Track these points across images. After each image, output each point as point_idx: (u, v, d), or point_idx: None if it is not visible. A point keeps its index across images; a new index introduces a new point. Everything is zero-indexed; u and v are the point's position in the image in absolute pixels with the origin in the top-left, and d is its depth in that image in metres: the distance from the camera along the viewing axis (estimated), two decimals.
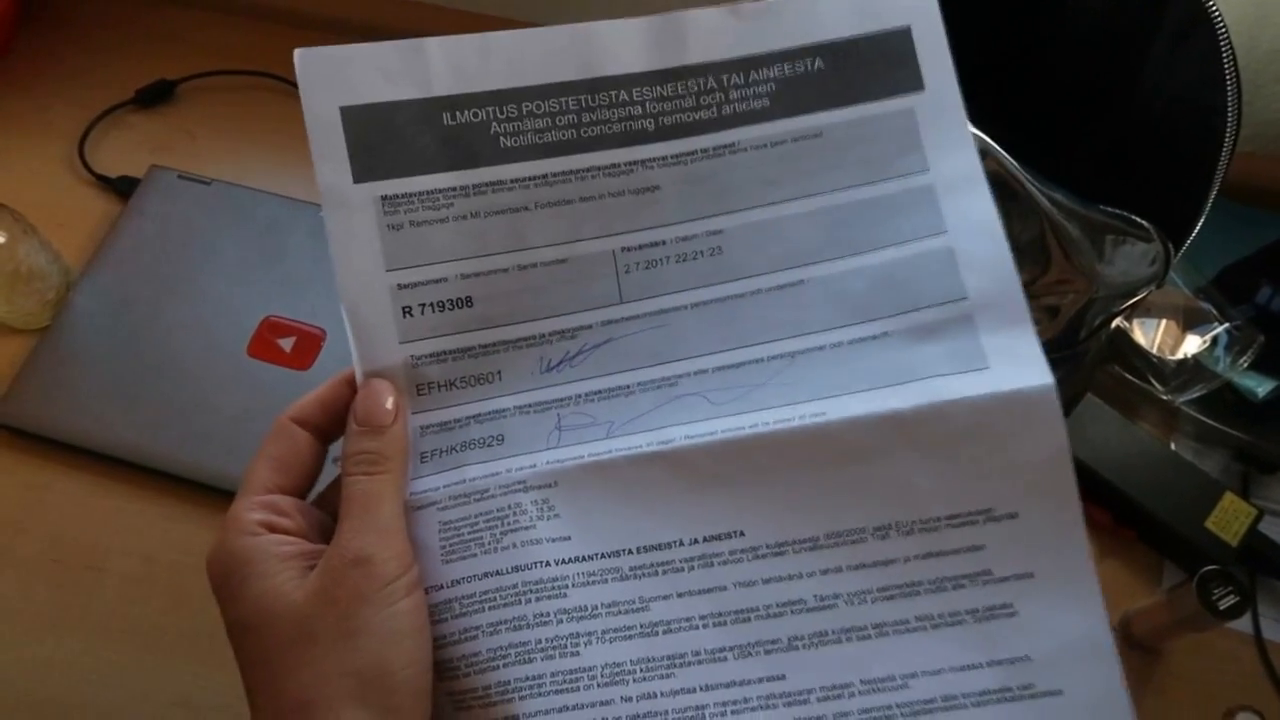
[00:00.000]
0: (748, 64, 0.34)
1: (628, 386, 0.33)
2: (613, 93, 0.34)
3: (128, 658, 0.54)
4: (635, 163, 0.34)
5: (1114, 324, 0.50)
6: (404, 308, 0.33)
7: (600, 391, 0.33)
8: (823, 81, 0.34)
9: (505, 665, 0.30)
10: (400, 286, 0.33)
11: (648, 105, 0.34)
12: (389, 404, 0.32)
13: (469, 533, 0.32)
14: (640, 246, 0.34)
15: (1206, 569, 0.51)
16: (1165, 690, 0.56)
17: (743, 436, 0.31)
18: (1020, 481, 0.31)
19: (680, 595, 0.31)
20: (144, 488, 0.59)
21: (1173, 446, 0.62)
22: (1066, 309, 0.46)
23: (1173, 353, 0.62)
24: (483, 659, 0.30)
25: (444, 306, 0.33)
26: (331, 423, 0.34)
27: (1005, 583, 0.30)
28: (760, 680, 0.30)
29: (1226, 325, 0.61)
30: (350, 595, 0.29)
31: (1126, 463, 0.59)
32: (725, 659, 0.30)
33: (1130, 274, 0.46)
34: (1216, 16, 0.43)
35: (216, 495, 0.58)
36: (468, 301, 0.33)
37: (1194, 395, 0.61)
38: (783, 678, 0.30)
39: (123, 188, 0.70)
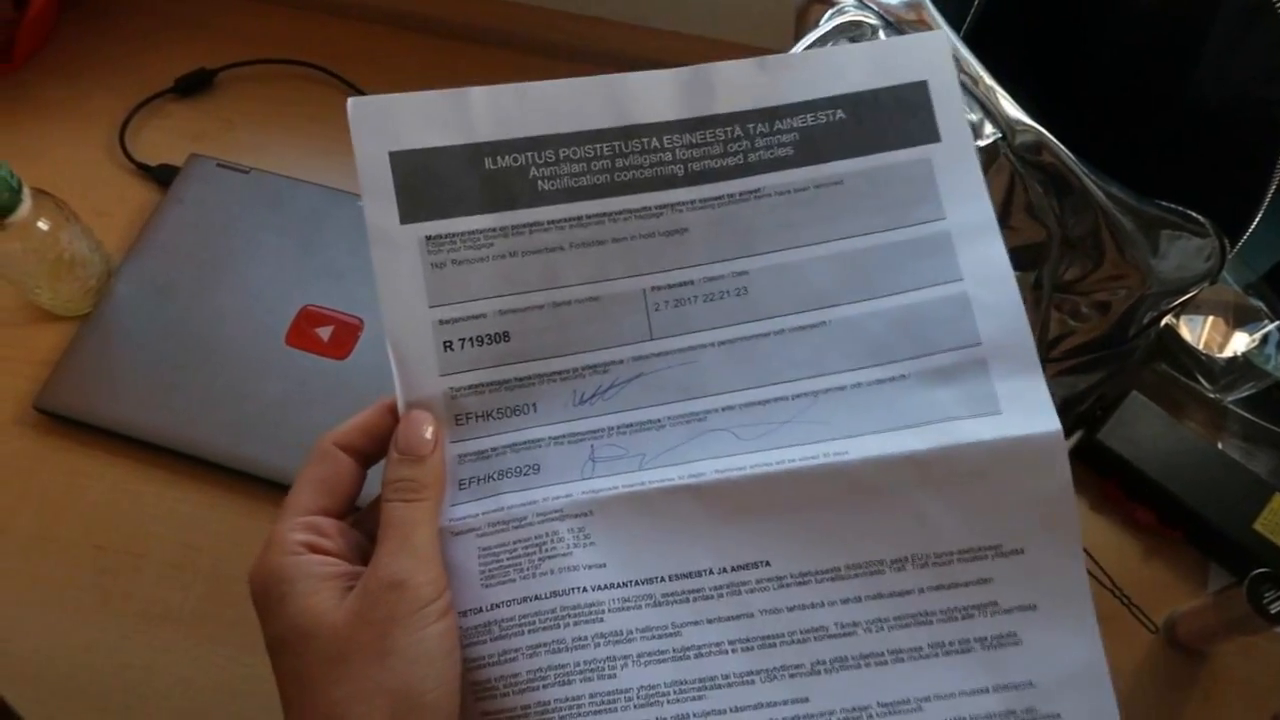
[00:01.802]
0: (772, 114, 0.36)
1: (658, 420, 0.35)
2: (645, 139, 0.36)
3: (169, 643, 0.55)
4: (665, 206, 0.36)
5: (1163, 321, 0.49)
6: (445, 342, 0.35)
7: (632, 425, 0.34)
8: (843, 131, 0.36)
9: (545, 686, 0.31)
10: (442, 322, 0.35)
11: (678, 152, 0.36)
12: (428, 434, 0.34)
13: (508, 558, 0.33)
14: (669, 286, 0.35)
15: (1258, 571, 0.50)
16: (1211, 694, 0.55)
17: (769, 472, 0.33)
18: (1027, 520, 0.33)
19: (710, 621, 0.32)
20: (183, 475, 0.60)
21: (1220, 446, 0.61)
22: (1118, 305, 0.45)
23: (1220, 350, 0.61)
24: (522, 680, 0.32)
25: (483, 341, 0.35)
26: (373, 447, 0.35)
27: (1011, 614, 0.32)
28: (785, 702, 0.32)
29: (1277, 323, 0.60)
30: (385, 617, 0.30)
31: (1173, 462, 0.58)
32: (753, 682, 0.32)
33: (1184, 270, 0.45)
34: (1279, 6, 0.42)
35: (255, 483, 0.59)
36: (505, 337, 0.35)
37: (1243, 394, 0.60)
38: (806, 700, 0.32)
39: (163, 176, 0.70)
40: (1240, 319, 0.62)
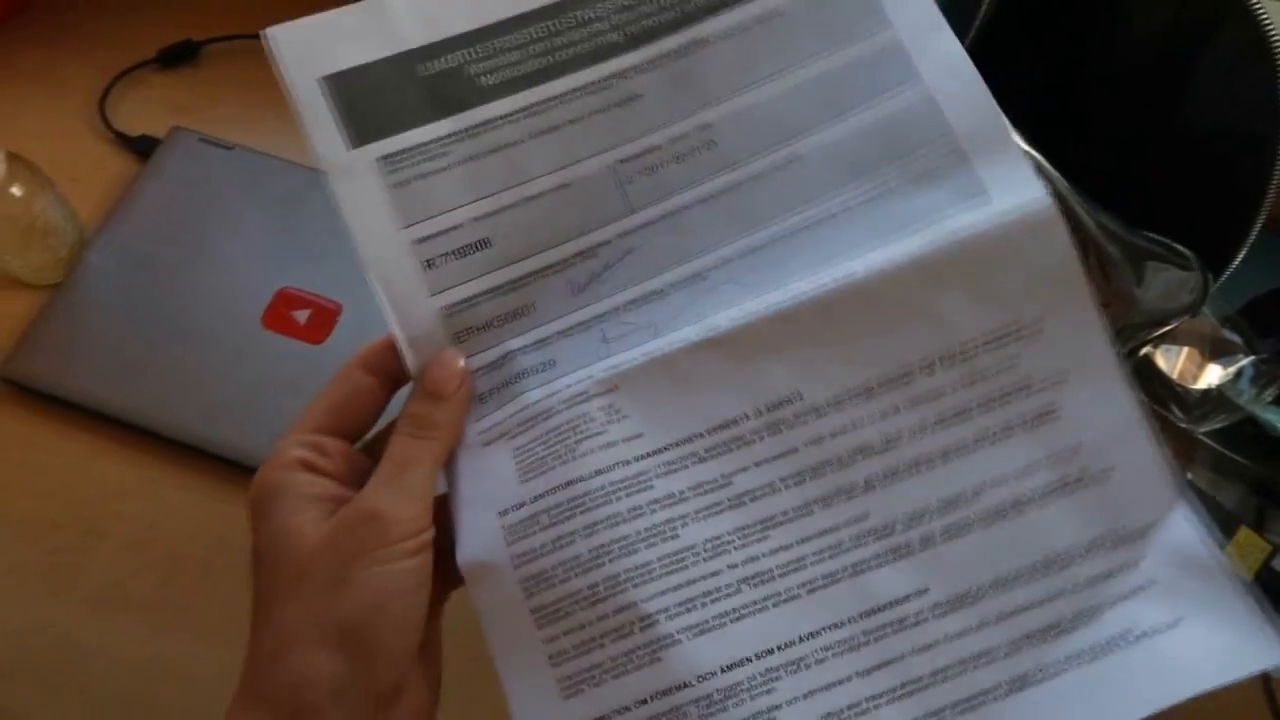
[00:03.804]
0: None
1: (660, 290, 0.34)
2: (577, 13, 0.35)
3: (124, 627, 0.54)
4: (613, 76, 0.35)
5: (1142, 351, 0.49)
6: (426, 261, 0.34)
7: (635, 299, 0.34)
8: None
9: (611, 560, 0.31)
10: (418, 241, 0.34)
11: (612, 18, 0.35)
12: (456, 378, 0.33)
13: (543, 450, 0.33)
14: (637, 155, 0.35)
15: None
16: None
17: (782, 307, 0.33)
18: (1038, 294, 0.33)
19: (758, 465, 0.32)
20: (149, 453, 0.59)
21: (1190, 477, 0.62)
22: None
23: (1194, 381, 0.62)
24: (585, 560, 0.31)
25: (464, 252, 0.34)
26: (398, 369, 0.34)
27: (1045, 389, 0.33)
28: (848, 524, 0.32)
29: (1252, 358, 0.61)
30: (352, 547, 0.30)
31: None
32: (812, 512, 0.32)
33: (1167, 301, 0.45)
34: (1276, 44, 0.42)
35: (223, 465, 0.58)
36: (485, 243, 0.34)
37: (1215, 426, 0.61)
38: (867, 516, 0.32)
39: (142, 147, 0.69)
40: (1216, 352, 0.62)
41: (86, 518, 0.57)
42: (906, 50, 0.35)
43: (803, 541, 0.32)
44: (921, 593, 0.32)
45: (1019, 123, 0.37)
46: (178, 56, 0.73)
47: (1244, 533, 0.57)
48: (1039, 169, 0.41)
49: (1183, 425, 0.61)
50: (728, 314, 0.33)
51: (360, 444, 0.35)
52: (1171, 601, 0.31)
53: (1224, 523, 0.58)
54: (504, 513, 0.32)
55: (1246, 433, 0.61)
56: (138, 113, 0.71)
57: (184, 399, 0.59)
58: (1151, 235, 0.44)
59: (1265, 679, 0.57)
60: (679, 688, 0.31)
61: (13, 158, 0.58)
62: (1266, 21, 0.43)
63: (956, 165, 0.34)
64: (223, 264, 0.63)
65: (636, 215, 0.35)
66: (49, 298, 0.62)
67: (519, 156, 0.34)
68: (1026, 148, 0.40)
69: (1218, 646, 0.31)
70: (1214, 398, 0.60)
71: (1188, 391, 0.61)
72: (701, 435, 0.33)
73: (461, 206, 0.34)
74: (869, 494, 0.32)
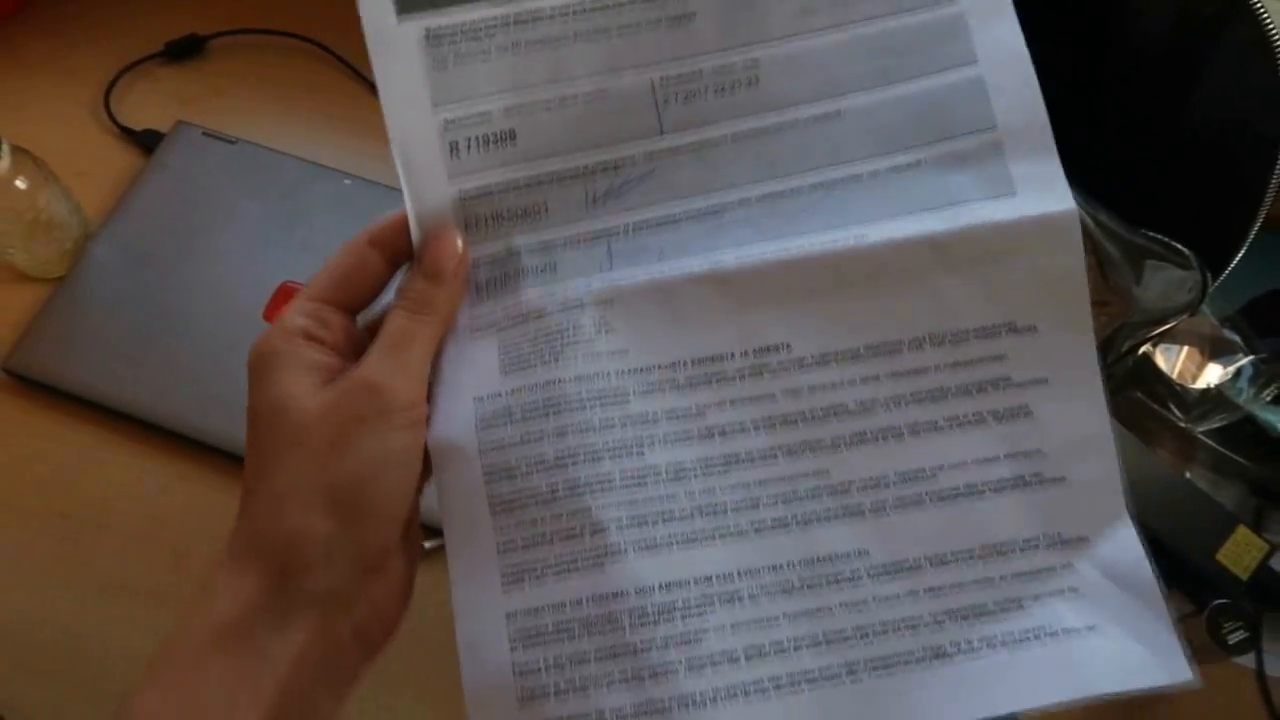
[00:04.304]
0: None
1: (674, 216, 0.34)
2: None
3: (127, 616, 0.54)
4: None
5: (1141, 350, 0.49)
6: (451, 144, 0.34)
7: (648, 222, 0.34)
8: None
9: (574, 465, 0.32)
10: (448, 123, 0.34)
11: None
12: (455, 255, 0.33)
13: (528, 347, 0.33)
14: (679, 77, 0.34)
15: (1218, 602, 0.50)
16: None
17: (790, 256, 0.33)
18: (1040, 298, 0.33)
19: (733, 403, 0.33)
20: (152, 446, 0.59)
21: (1188, 475, 0.62)
22: (1099, 331, 0.45)
23: (1193, 381, 0.62)
24: (549, 459, 0.32)
25: (490, 142, 0.34)
26: (406, 247, 0.34)
27: (1023, 388, 0.33)
28: (806, 475, 0.33)
29: (1252, 358, 0.61)
30: (350, 414, 0.30)
31: (1141, 490, 0.58)
32: (775, 458, 0.33)
33: (1166, 300, 0.45)
34: (1277, 43, 0.43)
35: (225, 458, 0.58)
36: (512, 136, 0.34)
37: (1214, 425, 0.61)
38: (827, 473, 0.33)
39: (147, 141, 0.69)
40: (1215, 351, 0.62)
41: (90, 509, 0.57)
42: (969, 30, 0.34)
43: (761, 484, 0.33)
44: (863, 553, 0.33)
45: None
46: (183, 50, 0.74)
47: (1242, 532, 0.57)
48: None
49: (1182, 425, 0.61)
50: (735, 253, 0.34)
51: (362, 320, 0.35)
52: (1093, 609, 0.32)
53: (1222, 522, 0.58)
54: (480, 400, 0.33)
55: (1245, 432, 0.61)
56: (143, 106, 0.71)
57: (187, 392, 0.59)
58: (1151, 234, 0.44)
59: (1262, 681, 0.57)
60: (615, 596, 0.32)
61: (17, 150, 0.58)
62: (1268, 21, 0.43)
63: (992, 156, 0.34)
64: (225, 258, 0.64)
65: (667, 138, 0.34)
66: (53, 291, 0.62)
67: (562, 55, 0.34)
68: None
69: (1126, 658, 0.32)
70: (1213, 397, 0.60)
71: (1187, 391, 0.61)
72: (685, 364, 0.33)
73: (496, 96, 0.34)
74: (834, 452, 0.33)
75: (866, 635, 0.32)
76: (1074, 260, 0.33)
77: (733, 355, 0.33)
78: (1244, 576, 0.56)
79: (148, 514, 0.57)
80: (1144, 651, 0.32)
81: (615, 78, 0.34)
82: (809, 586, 0.32)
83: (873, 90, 0.34)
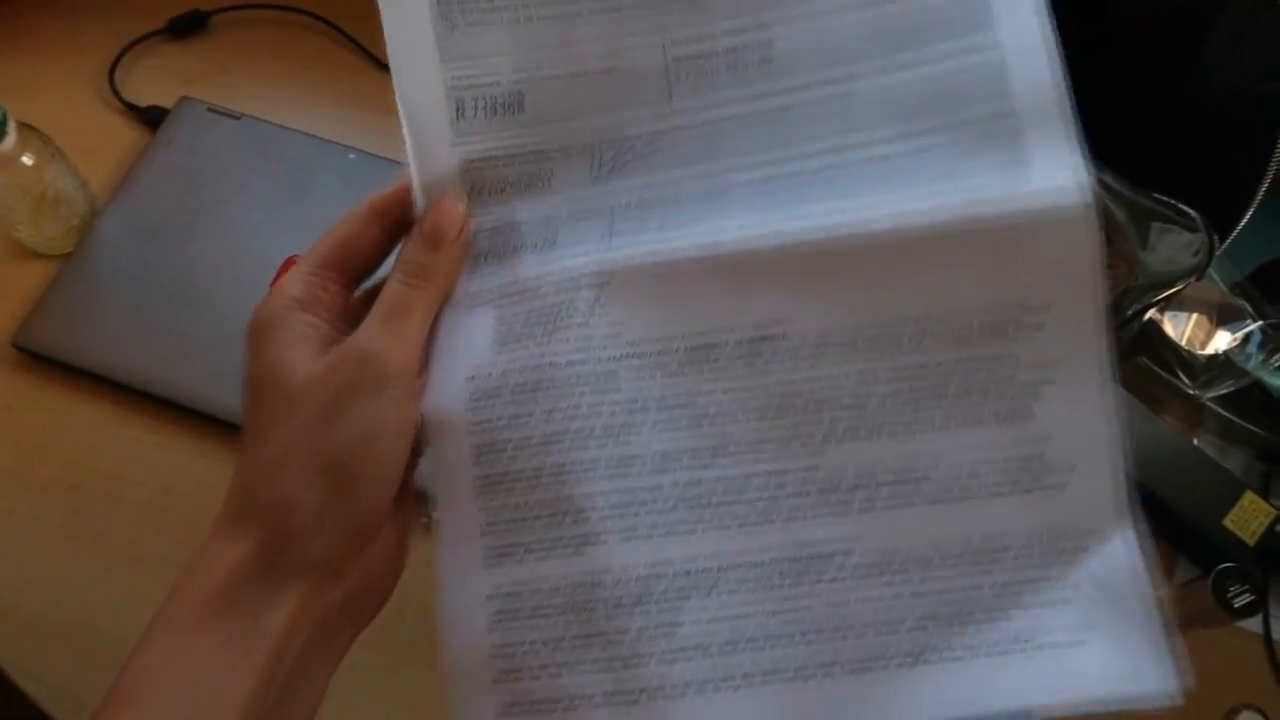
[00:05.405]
0: None
1: (677, 193, 0.34)
2: None
3: (140, 586, 0.55)
4: None
5: (1147, 315, 0.49)
6: (458, 105, 0.33)
7: (650, 197, 0.34)
8: None
9: (561, 449, 0.32)
10: (454, 85, 0.33)
11: None
12: (457, 222, 0.33)
13: (522, 325, 0.33)
14: (691, 52, 0.34)
15: (1223, 566, 0.50)
16: None
17: (791, 238, 0.32)
18: (1049, 286, 0.32)
19: (725, 390, 0.32)
20: (163, 419, 0.59)
21: (1196, 442, 0.62)
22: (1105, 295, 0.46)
23: (1202, 347, 0.62)
24: (536, 442, 0.32)
25: (496, 107, 0.33)
26: (407, 217, 0.34)
27: (1027, 388, 0.32)
28: (796, 470, 0.32)
29: (1260, 323, 0.61)
30: (345, 383, 0.30)
31: (1148, 455, 0.58)
32: (765, 450, 0.32)
33: (1172, 263, 0.45)
34: None
35: (233, 431, 0.58)
36: (519, 104, 0.34)
37: (1221, 392, 0.61)
38: (816, 468, 0.32)
39: (152, 117, 0.69)
40: (1223, 318, 0.62)
41: (102, 482, 0.58)
42: (992, 9, 0.33)
43: (748, 477, 0.32)
44: (847, 552, 0.32)
45: None
46: (187, 26, 0.74)
47: (1249, 497, 0.57)
48: None
49: (1190, 391, 0.61)
50: (736, 234, 0.33)
51: (360, 290, 0.35)
52: (1082, 620, 0.31)
53: (1229, 487, 0.58)
54: (472, 377, 0.32)
55: (1253, 398, 0.61)
56: (147, 82, 0.72)
57: (195, 366, 0.59)
58: (1157, 196, 0.44)
59: (1269, 645, 0.57)
60: (594, 584, 0.31)
61: (23, 127, 0.58)
62: None
63: (1007, 133, 0.32)
64: (232, 233, 0.64)
65: (675, 113, 0.34)
66: (61, 267, 0.63)
67: (573, 25, 0.34)
68: None
69: (1111, 671, 0.31)
70: (1221, 363, 0.60)
71: (1195, 357, 0.61)
72: (678, 348, 0.33)
73: (505, 61, 0.33)
74: (825, 447, 0.32)
75: (846, 635, 0.31)
76: (1087, 251, 0.32)
77: (727, 341, 0.33)
78: (1251, 542, 0.56)
79: (159, 486, 0.58)
80: (1131, 666, 0.31)
81: (627, 51, 0.34)
82: (790, 583, 0.32)
83: (888, 68, 0.33)
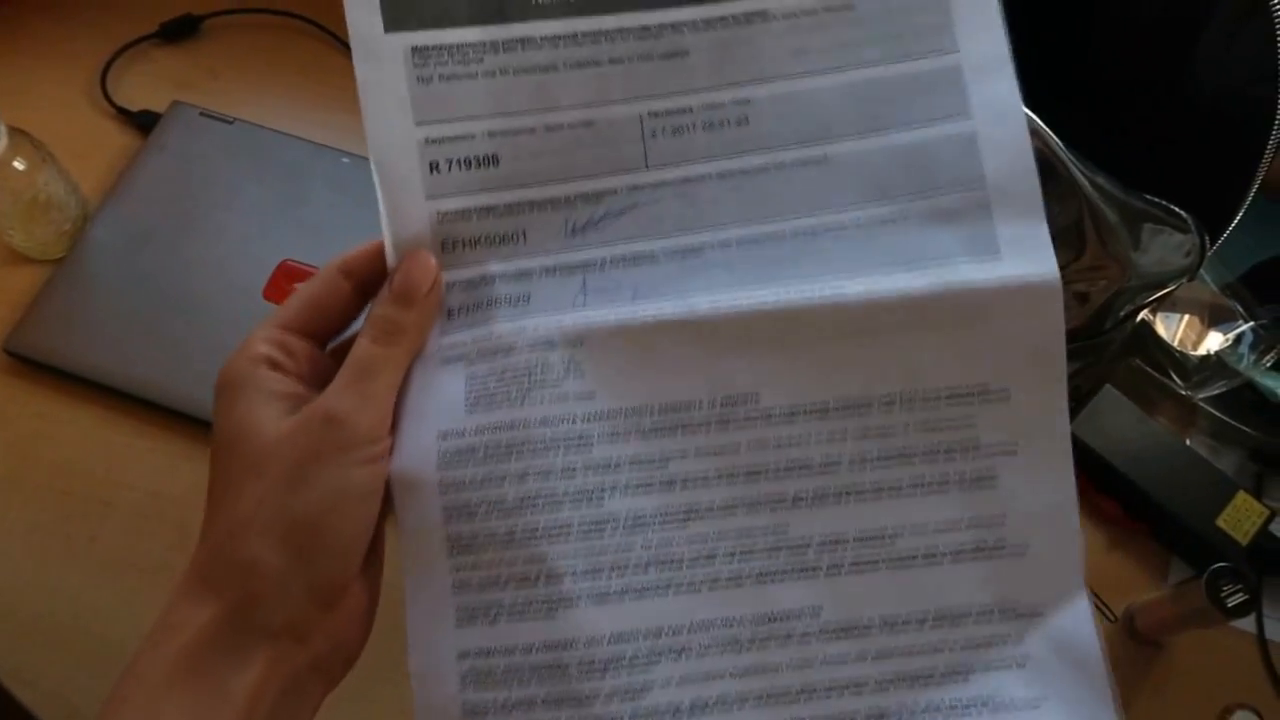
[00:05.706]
0: None
1: (653, 254, 0.34)
2: None
3: (132, 590, 0.55)
4: (665, 26, 0.34)
5: (1139, 316, 0.49)
6: (431, 163, 0.33)
7: (625, 257, 0.34)
8: None
9: (533, 511, 0.32)
10: (428, 141, 0.33)
11: None
12: (429, 278, 0.33)
13: (495, 385, 0.33)
14: (668, 112, 0.34)
15: (1217, 566, 0.50)
16: (1164, 685, 0.56)
17: (764, 306, 0.33)
18: (1015, 365, 0.33)
19: (697, 453, 0.33)
20: (154, 424, 0.59)
21: (1188, 442, 0.62)
22: (1096, 296, 0.46)
23: (1194, 348, 0.62)
24: (509, 503, 0.32)
25: (471, 164, 0.34)
26: (378, 276, 0.34)
27: (991, 456, 0.33)
28: (765, 532, 0.33)
29: (1252, 324, 0.61)
30: (311, 447, 0.30)
31: (1141, 456, 0.59)
32: (735, 512, 0.33)
33: (1164, 265, 0.45)
34: (1276, 7, 0.42)
35: None
36: (494, 160, 0.34)
37: (1213, 392, 0.61)
38: (785, 529, 0.33)
39: (143, 122, 0.69)
40: (1215, 318, 0.62)
41: (94, 487, 0.57)
42: (965, 82, 0.34)
43: (719, 538, 0.32)
44: (815, 613, 0.32)
45: (1020, 81, 0.37)
46: (178, 30, 0.73)
47: (1242, 497, 0.58)
48: (1033, 129, 0.41)
49: (1182, 391, 0.62)
50: (710, 298, 0.33)
51: (331, 346, 0.35)
52: (1039, 682, 0.32)
53: (1222, 488, 0.58)
54: (444, 436, 0.32)
55: (1245, 399, 0.61)
56: (139, 87, 0.71)
57: (187, 371, 0.59)
58: (1148, 197, 0.44)
59: (1262, 645, 0.57)
60: (565, 646, 0.32)
61: (15, 132, 0.58)
62: None
63: (978, 215, 0.33)
64: (224, 237, 0.64)
65: (652, 172, 0.34)
66: (52, 272, 0.62)
67: (551, 83, 0.34)
68: (1025, 110, 0.40)
69: None
70: (1213, 364, 0.61)
71: (1187, 358, 0.61)
72: (652, 410, 0.33)
73: (480, 118, 0.33)
74: (794, 509, 0.33)
75: (812, 695, 0.32)
76: (1052, 329, 0.33)
77: (700, 404, 0.33)
78: (1244, 542, 0.57)
79: (151, 491, 0.57)
80: None
81: (603, 109, 0.34)
82: (759, 645, 0.32)
83: (863, 137, 0.34)
